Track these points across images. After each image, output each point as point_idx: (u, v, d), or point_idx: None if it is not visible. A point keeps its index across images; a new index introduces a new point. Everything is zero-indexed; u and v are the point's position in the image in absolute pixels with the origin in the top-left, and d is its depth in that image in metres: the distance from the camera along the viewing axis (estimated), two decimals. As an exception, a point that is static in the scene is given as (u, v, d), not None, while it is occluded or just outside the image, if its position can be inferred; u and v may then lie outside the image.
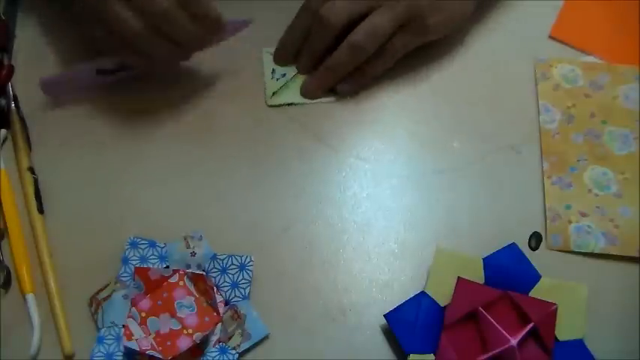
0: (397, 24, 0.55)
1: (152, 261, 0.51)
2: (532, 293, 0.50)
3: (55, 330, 0.49)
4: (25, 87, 0.58)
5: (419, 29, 0.56)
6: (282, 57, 0.60)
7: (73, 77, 0.58)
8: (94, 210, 0.54)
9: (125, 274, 0.51)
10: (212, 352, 0.49)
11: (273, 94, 0.59)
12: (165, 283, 0.50)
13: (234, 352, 0.48)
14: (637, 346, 0.50)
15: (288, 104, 0.59)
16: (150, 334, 0.48)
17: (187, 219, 0.54)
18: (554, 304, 0.49)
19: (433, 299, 0.50)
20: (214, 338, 0.49)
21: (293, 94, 0.59)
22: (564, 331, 0.49)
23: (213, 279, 0.51)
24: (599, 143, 0.57)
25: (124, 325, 0.48)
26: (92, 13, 0.53)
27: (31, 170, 0.55)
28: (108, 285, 0.51)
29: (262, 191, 0.55)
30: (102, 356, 0.48)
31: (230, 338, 0.49)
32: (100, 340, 0.49)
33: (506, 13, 0.63)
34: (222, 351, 0.48)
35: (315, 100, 0.59)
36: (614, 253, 0.53)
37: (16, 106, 0.57)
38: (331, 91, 0.59)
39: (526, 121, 0.58)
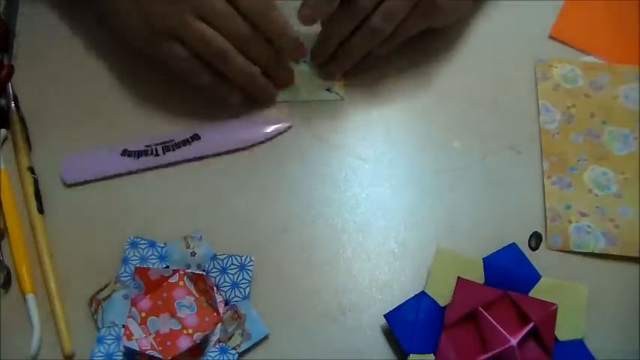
0: (411, 5, 0.55)
1: (152, 261, 0.51)
2: (532, 293, 0.50)
3: (55, 330, 0.50)
4: (25, 87, 0.58)
5: (428, 9, 0.56)
6: (324, 53, 0.59)
7: (94, 159, 0.56)
8: (94, 210, 0.54)
9: (125, 274, 0.51)
10: (212, 352, 0.49)
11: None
12: (165, 283, 0.50)
13: (234, 352, 0.48)
14: (637, 346, 0.50)
15: (297, 101, 0.58)
16: (150, 334, 0.48)
17: (187, 219, 0.54)
18: (554, 304, 0.49)
19: (433, 299, 0.50)
20: (214, 338, 0.49)
21: (299, 91, 0.59)
22: (564, 331, 0.49)
23: (213, 279, 0.51)
24: (599, 143, 0.57)
25: (124, 325, 0.48)
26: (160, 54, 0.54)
27: (31, 170, 0.55)
28: (108, 285, 0.51)
29: (262, 191, 0.55)
30: (102, 356, 0.48)
31: (230, 338, 0.49)
32: (100, 340, 0.49)
33: (506, 13, 0.63)
34: (222, 351, 0.48)
35: (321, 98, 0.59)
36: (614, 253, 0.53)
37: (16, 106, 0.57)
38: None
39: (526, 121, 0.58)
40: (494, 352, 0.47)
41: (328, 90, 0.59)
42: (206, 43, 0.52)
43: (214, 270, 0.51)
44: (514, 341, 0.47)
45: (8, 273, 0.51)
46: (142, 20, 0.52)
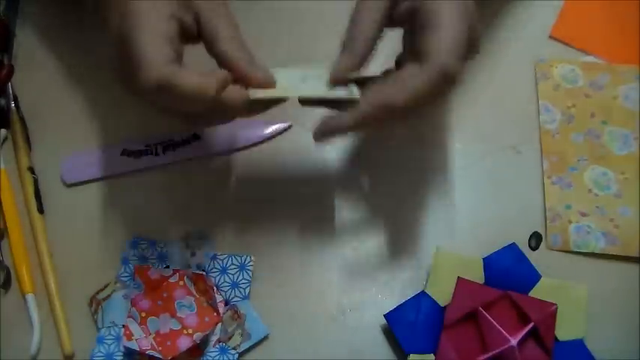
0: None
1: (152, 261, 0.51)
2: (532, 293, 0.50)
3: (55, 330, 0.50)
4: (25, 87, 0.58)
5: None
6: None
7: (94, 159, 0.56)
8: (94, 210, 0.54)
9: (125, 274, 0.51)
10: (212, 352, 0.49)
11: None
12: (165, 283, 0.50)
13: (234, 352, 0.48)
14: (637, 346, 0.50)
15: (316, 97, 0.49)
16: (150, 334, 0.48)
17: (187, 219, 0.54)
18: (554, 304, 0.49)
19: (433, 299, 0.50)
20: (214, 338, 0.49)
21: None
22: (564, 331, 0.49)
23: (213, 279, 0.51)
24: (599, 143, 0.57)
25: (124, 325, 0.48)
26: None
27: (31, 170, 0.55)
28: (108, 285, 0.51)
29: (262, 191, 0.55)
30: (102, 356, 0.48)
31: (230, 338, 0.49)
32: (100, 340, 0.49)
33: (506, 13, 0.63)
34: (222, 351, 0.48)
35: (339, 96, 0.48)
36: (614, 253, 0.53)
37: (16, 106, 0.57)
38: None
39: (526, 121, 0.58)
40: (494, 352, 0.47)
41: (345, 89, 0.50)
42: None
43: (214, 270, 0.51)
44: (514, 341, 0.47)
45: (8, 273, 0.51)
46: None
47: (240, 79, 0.45)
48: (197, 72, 0.43)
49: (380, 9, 0.46)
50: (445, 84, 0.44)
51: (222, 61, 0.46)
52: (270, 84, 0.46)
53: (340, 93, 0.46)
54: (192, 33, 0.46)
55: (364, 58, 0.46)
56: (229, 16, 0.47)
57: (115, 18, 0.44)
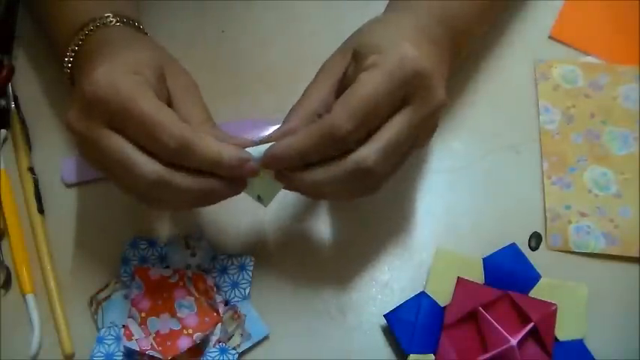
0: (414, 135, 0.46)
1: (152, 261, 0.51)
2: (532, 293, 0.50)
3: (55, 330, 0.50)
4: (25, 87, 0.58)
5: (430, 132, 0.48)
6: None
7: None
8: (94, 210, 0.54)
9: (125, 274, 0.51)
10: (212, 352, 0.49)
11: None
12: (165, 283, 0.50)
13: (234, 352, 0.48)
14: (637, 346, 0.50)
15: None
16: (150, 334, 0.48)
17: (187, 219, 0.54)
18: (554, 304, 0.49)
19: (433, 299, 0.50)
20: (214, 338, 0.49)
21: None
22: (564, 331, 0.49)
23: (213, 279, 0.51)
24: (599, 143, 0.57)
25: (124, 325, 0.48)
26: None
27: (31, 170, 0.55)
28: (108, 285, 0.51)
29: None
30: (102, 356, 0.48)
31: (230, 338, 0.49)
32: (100, 340, 0.49)
33: (506, 14, 0.63)
34: (222, 351, 0.48)
35: None
36: (614, 254, 0.53)
37: (16, 106, 0.57)
38: None
39: (526, 121, 0.58)
40: (494, 352, 0.47)
41: None
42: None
43: (214, 270, 0.51)
44: (514, 341, 0.47)
45: (8, 273, 0.51)
46: None
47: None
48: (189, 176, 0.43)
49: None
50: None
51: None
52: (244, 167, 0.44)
53: None
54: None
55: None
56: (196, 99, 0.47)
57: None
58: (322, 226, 0.54)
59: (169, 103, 0.46)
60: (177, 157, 0.42)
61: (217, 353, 0.48)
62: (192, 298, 0.49)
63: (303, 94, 0.46)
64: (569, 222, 0.54)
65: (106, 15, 0.48)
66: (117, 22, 0.49)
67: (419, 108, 0.43)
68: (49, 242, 0.53)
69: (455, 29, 0.49)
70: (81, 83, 0.43)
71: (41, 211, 0.53)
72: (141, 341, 0.48)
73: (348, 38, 0.47)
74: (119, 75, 0.43)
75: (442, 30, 0.48)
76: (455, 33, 0.49)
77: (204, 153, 0.42)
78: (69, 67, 0.49)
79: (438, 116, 0.46)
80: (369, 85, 0.42)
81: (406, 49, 0.43)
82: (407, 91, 0.43)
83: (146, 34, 0.51)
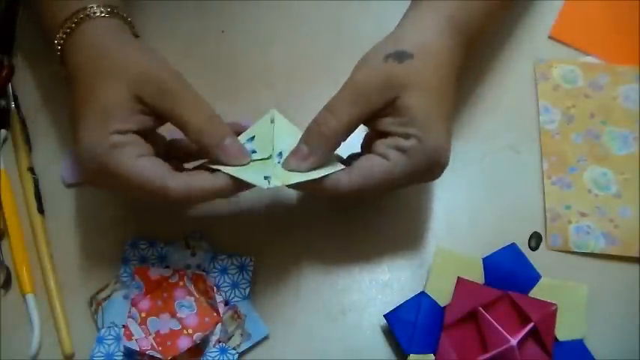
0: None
1: (152, 261, 0.51)
2: (532, 293, 0.50)
3: (55, 330, 0.50)
4: (25, 87, 0.58)
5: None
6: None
7: None
8: (94, 210, 0.54)
9: (125, 274, 0.51)
10: (212, 352, 0.49)
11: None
12: (165, 283, 0.50)
13: (234, 352, 0.48)
14: (637, 346, 0.50)
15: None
16: (150, 334, 0.48)
17: (187, 219, 0.54)
18: (554, 304, 0.49)
19: (433, 299, 0.50)
20: (214, 338, 0.49)
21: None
22: (564, 331, 0.49)
23: (213, 279, 0.51)
24: (599, 143, 0.57)
25: (124, 325, 0.48)
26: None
27: (31, 170, 0.55)
28: (108, 285, 0.51)
29: (262, 190, 0.55)
30: (102, 356, 0.48)
31: (230, 338, 0.49)
32: (100, 340, 0.49)
33: (506, 14, 0.63)
34: (222, 351, 0.48)
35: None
36: (614, 253, 0.53)
37: (16, 106, 0.57)
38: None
39: (526, 121, 0.58)
40: (494, 352, 0.47)
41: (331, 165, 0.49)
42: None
43: (214, 270, 0.51)
44: (514, 341, 0.47)
45: (8, 273, 0.51)
46: None
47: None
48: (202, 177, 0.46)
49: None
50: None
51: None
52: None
53: (327, 170, 0.47)
54: (156, 124, 0.47)
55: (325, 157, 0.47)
56: (191, 97, 0.47)
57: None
58: (322, 227, 0.54)
59: (168, 113, 0.46)
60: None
61: (217, 353, 0.48)
62: (192, 298, 0.49)
63: (329, 110, 0.47)
64: (569, 222, 0.54)
65: (89, 6, 0.48)
66: (101, 13, 0.48)
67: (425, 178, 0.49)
68: (49, 242, 0.53)
69: (471, 39, 0.51)
70: (74, 130, 0.46)
71: (41, 211, 0.53)
72: (141, 341, 0.48)
73: (387, 56, 0.47)
74: (103, 150, 0.44)
75: (460, 39, 0.50)
76: (469, 40, 0.51)
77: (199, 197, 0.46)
78: (61, 61, 0.50)
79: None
80: (398, 169, 0.46)
81: (442, 142, 0.46)
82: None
83: (130, 22, 0.50)
